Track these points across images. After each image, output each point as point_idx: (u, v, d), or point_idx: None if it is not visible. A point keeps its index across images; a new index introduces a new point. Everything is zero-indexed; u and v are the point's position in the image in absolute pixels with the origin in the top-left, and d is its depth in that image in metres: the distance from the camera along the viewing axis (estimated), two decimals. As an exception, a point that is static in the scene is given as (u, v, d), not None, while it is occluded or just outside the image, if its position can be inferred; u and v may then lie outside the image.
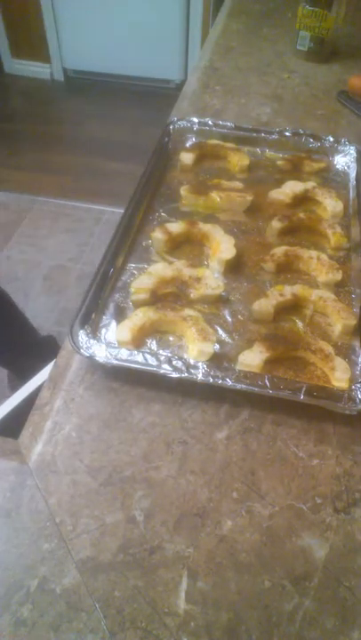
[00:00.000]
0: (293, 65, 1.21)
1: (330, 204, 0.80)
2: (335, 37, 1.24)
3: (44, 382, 0.59)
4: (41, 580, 0.43)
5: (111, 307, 0.64)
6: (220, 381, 0.54)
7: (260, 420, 0.54)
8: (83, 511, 0.47)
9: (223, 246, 0.70)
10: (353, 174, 0.88)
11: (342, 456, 0.52)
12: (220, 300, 0.66)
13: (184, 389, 0.56)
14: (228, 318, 0.64)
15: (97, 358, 0.55)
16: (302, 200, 0.82)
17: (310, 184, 0.83)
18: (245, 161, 0.88)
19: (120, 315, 0.63)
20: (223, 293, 0.66)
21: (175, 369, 0.55)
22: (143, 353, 0.56)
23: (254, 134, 0.93)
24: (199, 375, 0.54)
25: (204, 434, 0.53)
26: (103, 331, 0.61)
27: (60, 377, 0.58)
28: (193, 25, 2.87)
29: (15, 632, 0.41)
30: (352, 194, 0.85)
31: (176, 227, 0.73)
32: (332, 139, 0.92)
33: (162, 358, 0.56)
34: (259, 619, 0.42)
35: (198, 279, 0.66)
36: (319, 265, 0.70)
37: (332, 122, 1.03)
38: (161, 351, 0.59)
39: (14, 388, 0.63)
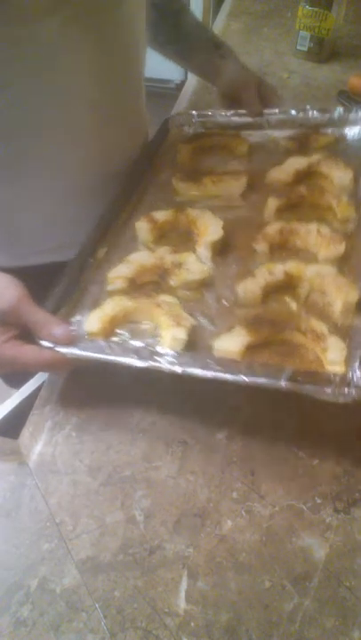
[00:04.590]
0: (293, 65, 1.21)
1: (337, 176, 0.71)
2: (335, 37, 1.23)
3: (43, 382, 0.59)
4: (41, 580, 0.43)
5: (87, 299, 0.60)
6: (188, 369, 0.47)
7: (261, 420, 0.54)
8: (83, 511, 0.47)
9: (211, 229, 0.65)
10: None
11: (342, 456, 0.52)
12: (204, 286, 0.61)
13: (184, 389, 0.56)
14: (212, 304, 0.59)
15: (58, 349, 0.51)
16: (306, 176, 0.74)
17: (315, 157, 0.74)
18: (245, 145, 0.82)
19: (95, 307, 0.59)
20: (209, 277, 0.61)
21: (140, 357, 0.49)
22: (109, 343, 0.52)
23: (256, 118, 0.85)
24: (165, 363, 0.49)
25: (204, 434, 0.53)
26: (77, 324, 0.57)
27: (58, 377, 0.58)
28: (193, 25, 2.86)
29: (15, 632, 0.41)
30: None
31: (162, 214, 0.68)
32: (342, 109, 0.83)
33: (129, 347, 0.52)
34: (259, 619, 0.42)
35: (180, 265, 0.61)
36: (319, 239, 0.61)
37: (333, 122, 1.03)
38: (132, 341, 0.55)
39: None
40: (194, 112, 0.90)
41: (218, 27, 1.38)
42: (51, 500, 0.48)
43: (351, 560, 0.45)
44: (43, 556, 0.44)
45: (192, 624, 0.41)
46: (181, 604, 0.42)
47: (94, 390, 0.57)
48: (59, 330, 0.51)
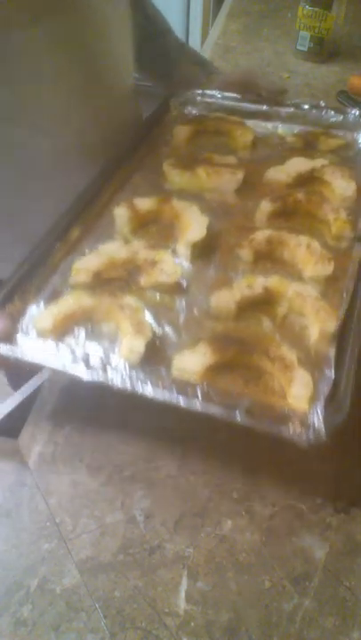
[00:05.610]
0: (293, 65, 1.21)
1: (340, 186, 0.65)
2: (335, 37, 1.24)
3: (44, 382, 0.59)
4: (41, 580, 0.43)
5: (47, 288, 0.55)
6: (140, 389, 0.44)
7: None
8: (83, 511, 0.47)
9: (193, 227, 0.60)
10: None
11: (343, 456, 0.52)
12: (177, 290, 0.55)
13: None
14: (182, 312, 0.53)
15: None
16: (307, 180, 0.69)
17: (320, 161, 0.69)
18: (249, 136, 0.76)
19: (54, 300, 0.54)
20: (182, 281, 0.55)
21: (91, 369, 0.46)
22: (57, 345, 0.48)
23: (266, 107, 0.80)
24: (117, 380, 0.45)
25: (205, 433, 0.53)
26: (29, 316, 0.52)
27: (58, 376, 0.58)
28: (193, 25, 2.87)
29: (15, 632, 0.41)
30: None
31: (145, 202, 0.63)
32: (358, 112, 0.78)
33: (78, 354, 0.47)
34: (259, 619, 0.42)
35: (154, 263, 0.56)
36: (308, 254, 0.56)
37: (332, 122, 1.03)
38: (88, 342, 0.50)
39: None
40: (199, 91, 0.83)
41: (218, 27, 1.38)
42: (51, 499, 0.48)
43: (351, 560, 0.45)
44: (43, 556, 0.44)
45: (192, 624, 0.41)
46: (181, 604, 0.42)
47: (95, 390, 0.57)
48: None
